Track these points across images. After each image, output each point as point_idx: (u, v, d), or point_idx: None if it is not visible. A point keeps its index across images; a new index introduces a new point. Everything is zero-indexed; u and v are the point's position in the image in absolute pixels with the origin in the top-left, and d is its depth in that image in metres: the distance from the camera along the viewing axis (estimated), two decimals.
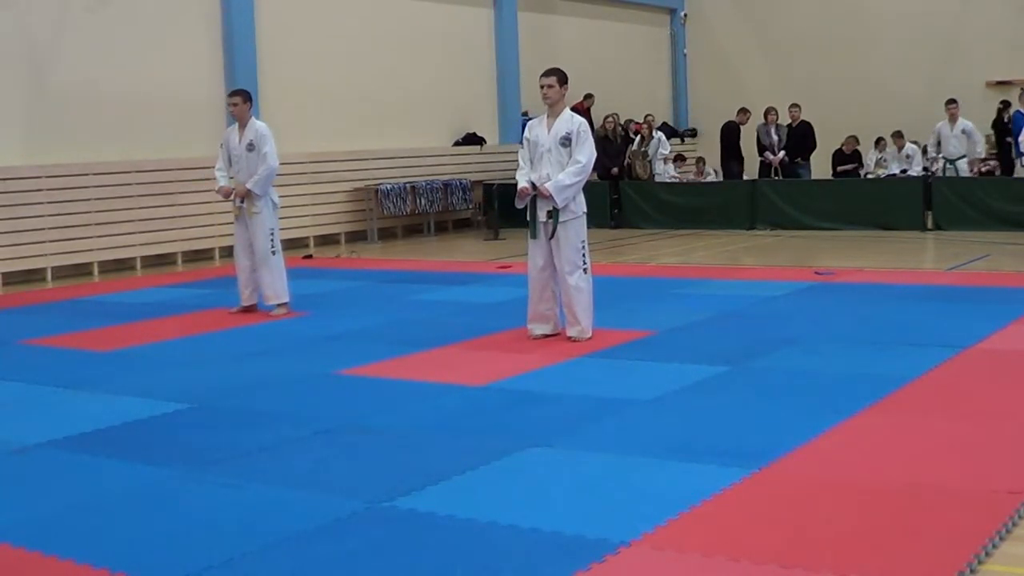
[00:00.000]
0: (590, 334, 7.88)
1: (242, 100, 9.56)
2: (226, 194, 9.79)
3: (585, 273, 7.84)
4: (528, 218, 7.93)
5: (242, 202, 9.59)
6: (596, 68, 20.71)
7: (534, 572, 3.78)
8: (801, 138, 17.79)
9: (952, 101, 16.30)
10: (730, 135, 17.95)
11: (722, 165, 18.32)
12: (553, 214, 7.79)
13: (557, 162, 7.83)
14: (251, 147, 9.53)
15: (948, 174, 16.01)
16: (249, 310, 9.77)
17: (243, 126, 9.60)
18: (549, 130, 7.92)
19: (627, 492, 4.55)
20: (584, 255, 7.85)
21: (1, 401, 6.71)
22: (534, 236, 7.91)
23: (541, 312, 8.03)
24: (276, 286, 9.51)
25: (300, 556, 3.97)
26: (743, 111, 18.14)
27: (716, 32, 23.47)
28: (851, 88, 21.28)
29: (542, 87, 8.00)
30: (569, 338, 7.85)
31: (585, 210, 7.96)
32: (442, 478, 4.78)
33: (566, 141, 7.83)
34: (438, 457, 5.14)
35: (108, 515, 4.51)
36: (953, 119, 16.21)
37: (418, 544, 4.05)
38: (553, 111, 7.98)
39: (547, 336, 8.01)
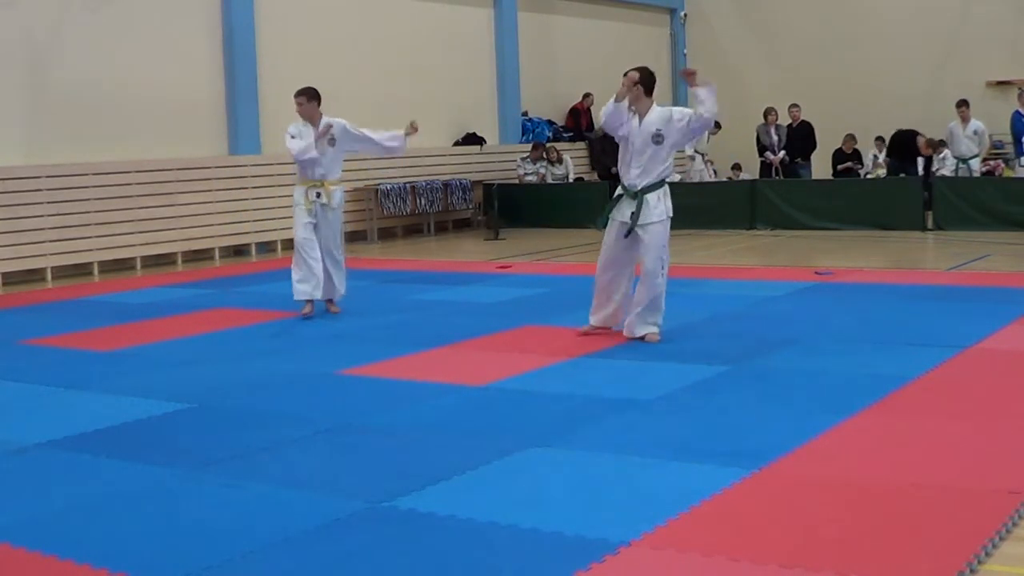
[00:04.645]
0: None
1: (307, 99, 9.30)
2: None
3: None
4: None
5: (318, 195, 9.36)
6: (596, 68, 20.70)
7: (534, 572, 3.79)
8: (802, 138, 17.79)
9: (963, 103, 16.34)
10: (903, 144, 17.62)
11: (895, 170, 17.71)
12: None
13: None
14: (332, 141, 9.37)
15: (961, 174, 16.04)
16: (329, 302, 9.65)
17: (315, 124, 9.33)
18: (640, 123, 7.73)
19: (627, 492, 4.55)
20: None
21: (1, 401, 6.70)
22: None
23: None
24: (341, 281, 9.55)
25: (300, 556, 3.97)
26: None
27: (716, 32, 23.46)
28: (851, 88, 21.28)
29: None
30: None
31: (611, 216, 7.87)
32: (442, 478, 4.78)
33: (658, 138, 7.68)
34: (438, 457, 5.14)
35: (108, 515, 4.51)
36: (965, 120, 16.27)
37: (418, 544, 4.05)
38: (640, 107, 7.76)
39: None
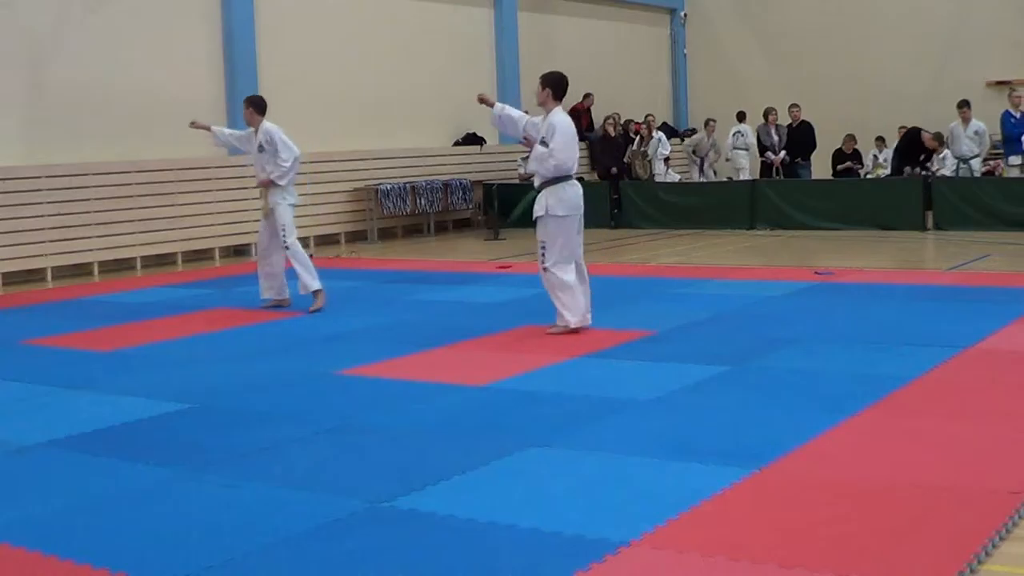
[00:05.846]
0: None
1: (244, 106, 9.97)
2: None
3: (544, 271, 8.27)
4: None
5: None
6: (596, 68, 20.71)
7: (534, 572, 3.78)
8: (802, 138, 17.79)
9: (965, 103, 16.33)
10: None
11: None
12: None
13: None
14: (261, 148, 9.77)
15: (962, 173, 16.04)
16: (281, 304, 9.91)
17: (256, 130, 9.85)
18: None
19: (627, 492, 4.55)
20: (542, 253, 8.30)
21: (1, 401, 6.71)
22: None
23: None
24: (302, 277, 9.62)
25: (300, 556, 3.97)
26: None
27: (716, 32, 23.47)
28: (851, 88, 21.29)
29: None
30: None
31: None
32: (442, 478, 4.78)
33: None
34: (438, 457, 5.14)
35: (108, 515, 4.51)
36: (966, 121, 16.28)
37: (418, 544, 4.05)
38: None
39: None
